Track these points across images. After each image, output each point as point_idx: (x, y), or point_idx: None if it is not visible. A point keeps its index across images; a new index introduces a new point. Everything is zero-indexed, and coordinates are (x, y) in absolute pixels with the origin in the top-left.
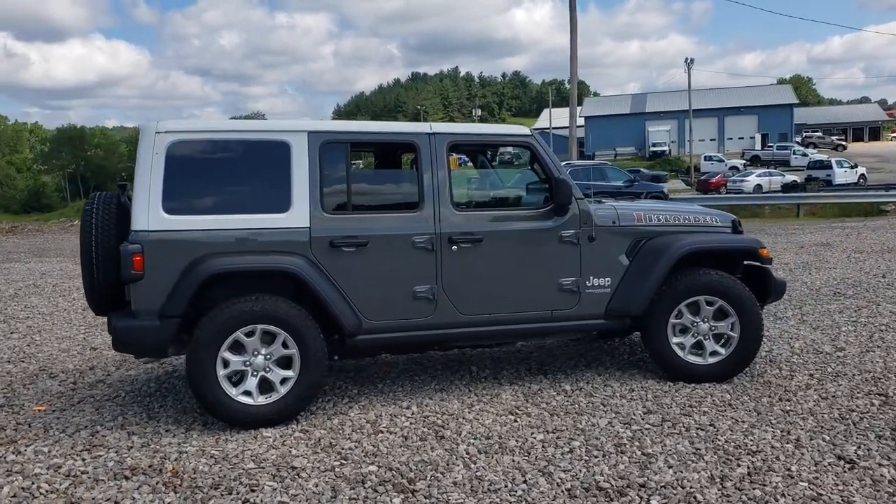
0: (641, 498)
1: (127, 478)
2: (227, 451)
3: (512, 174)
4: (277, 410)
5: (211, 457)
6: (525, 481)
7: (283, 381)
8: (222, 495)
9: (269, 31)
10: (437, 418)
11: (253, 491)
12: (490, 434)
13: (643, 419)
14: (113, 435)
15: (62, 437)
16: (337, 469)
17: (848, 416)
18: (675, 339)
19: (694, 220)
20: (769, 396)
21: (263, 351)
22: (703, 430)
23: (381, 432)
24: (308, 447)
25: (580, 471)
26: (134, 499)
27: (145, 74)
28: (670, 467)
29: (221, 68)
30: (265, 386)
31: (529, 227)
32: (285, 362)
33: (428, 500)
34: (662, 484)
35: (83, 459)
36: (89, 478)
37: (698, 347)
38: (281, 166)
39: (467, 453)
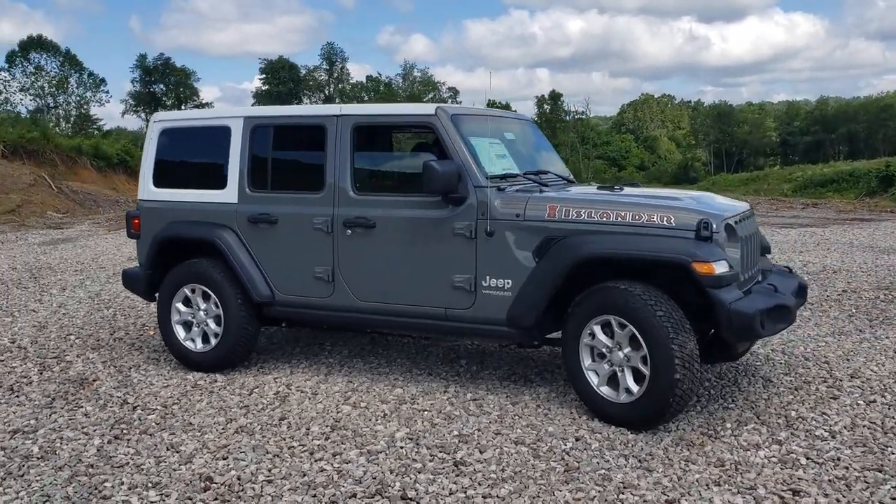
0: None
1: (62, 383)
2: (131, 382)
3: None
4: (208, 360)
5: (120, 383)
6: (189, 451)
7: (216, 335)
8: (61, 407)
9: None
10: (304, 396)
11: (72, 409)
12: (290, 415)
13: (423, 439)
14: (126, 359)
15: (100, 353)
16: (135, 413)
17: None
18: (587, 363)
19: (632, 219)
20: (641, 455)
21: (202, 307)
22: (435, 461)
23: (238, 395)
24: (172, 393)
25: (250, 463)
26: (30, 398)
27: (821, 45)
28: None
29: None
30: (207, 337)
31: (421, 216)
32: (220, 320)
33: (122, 450)
34: (256, 492)
35: (71, 365)
36: (45, 380)
37: (615, 379)
38: (224, 148)
39: (232, 427)
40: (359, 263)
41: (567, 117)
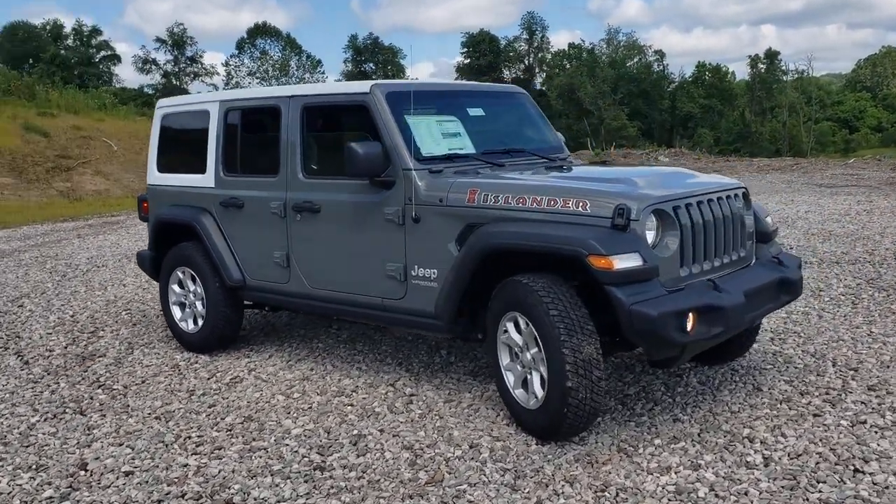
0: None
1: (71, 358)
2: (126, 361)
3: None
4: (196, 340)
5: (115, 361)
6: (92, 431)
7: (202, 317)
8: (44, 383)
9: None
10: (255, 382)
11: (48, 386)
12: (221, 403)
13: (313, 438)
14: (146, 336)
15: (132, 329)
16: (95, 392)
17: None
18: (505, 362)
19: (547, 205)
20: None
21: (191, 289)
22: (302, 464)
23: (198, 378)
24: (146, 373)
25: (134, 451)
26: (31, 372)
27: None
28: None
29: None
30: (196, 318)
31: (356, 201)
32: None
33: (46, 429)
34: (109, 482)
35: (98, 340)
36: (60, 355)
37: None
38: (205, 133)
39: (159, 412)
40: (308, 249)
41: (785, 77)
